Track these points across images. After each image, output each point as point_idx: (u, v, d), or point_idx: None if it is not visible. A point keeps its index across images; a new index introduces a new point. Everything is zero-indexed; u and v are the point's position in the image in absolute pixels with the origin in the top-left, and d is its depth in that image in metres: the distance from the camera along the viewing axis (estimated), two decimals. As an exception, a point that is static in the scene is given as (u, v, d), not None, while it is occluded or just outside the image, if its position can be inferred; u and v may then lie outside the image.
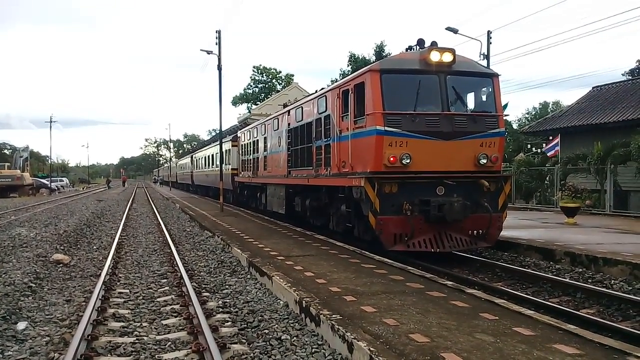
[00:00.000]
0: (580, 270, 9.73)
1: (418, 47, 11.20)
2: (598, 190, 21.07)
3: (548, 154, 27.30)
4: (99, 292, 7.56)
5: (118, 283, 8.83)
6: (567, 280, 8.91)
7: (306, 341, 5.49)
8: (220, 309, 6.96)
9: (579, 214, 16.48)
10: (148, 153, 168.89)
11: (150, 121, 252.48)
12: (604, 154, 20.82)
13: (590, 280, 9.01)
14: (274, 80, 76.02)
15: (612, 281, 8.82)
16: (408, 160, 10.22)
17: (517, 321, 5.31)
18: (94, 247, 13.28)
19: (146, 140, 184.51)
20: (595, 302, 7.65)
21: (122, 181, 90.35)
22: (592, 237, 12.33)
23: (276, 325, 6.09)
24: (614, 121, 23.16)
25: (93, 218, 21.41)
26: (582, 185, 18.06)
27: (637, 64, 48.57)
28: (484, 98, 11.39)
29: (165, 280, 9.08)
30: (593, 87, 29.36)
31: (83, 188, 77.96)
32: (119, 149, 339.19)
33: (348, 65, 49.87)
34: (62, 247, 12.60)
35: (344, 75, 45.89)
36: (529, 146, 45.65)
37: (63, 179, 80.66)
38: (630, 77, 38.93)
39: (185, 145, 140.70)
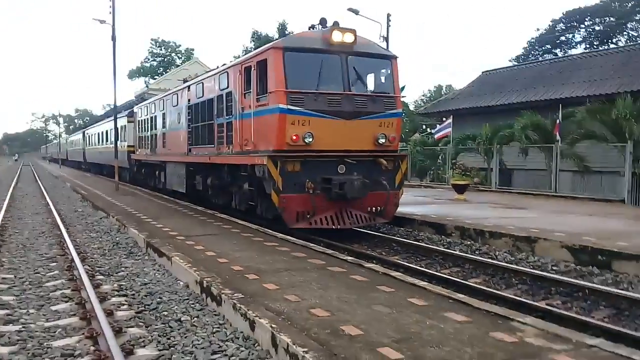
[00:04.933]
0: (469, 243, 10.40)
1: (320, 27, 11.25)
2: (485, 168, 22.54)
3: (436, 136, 28.74)
4: (-21, 278, 6.98)
5: (1, 268, 8.17)
6: (457, 252, 9.49)
7: (207, 321, 5.41)
8: (116, 292, 6.67)
9: (468, 190, 17.55)
10: (35, 128, 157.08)
11: (38, 94, 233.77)
12: (491, 135, 22.26)
13: (477, 252, 9.66)
14: (173, 54, 73.41)
15: (497, 252, 9.52)
16: (310, 139, 10.30)
17: (412, 292, 5.58)
18: (-27, 230, 12.20)
19: (33, 114, 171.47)
20: (482, 272, 8.22)
21: None
22: (480, 212, 13.19)
23: (176, 307, 5.95)
24: (500, 104, 24.79)
25: (-29, 199, 19.64)
26: (472, 164, 19.28)
27: (523, 50, 52.17)
28: (383, 79, 11.69)
29: (55, 263, 8.54)
30: (482, 72, 31.16)
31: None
32: (1, 124, 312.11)
33: (251, 42, 49.12)
34: None
35: (246, 52, 45.17)
36: (423, 127, 47.66)
37: None
38: (515, 64, 41.71)
39: (76, 120, 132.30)
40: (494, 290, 7.02)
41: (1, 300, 6.36)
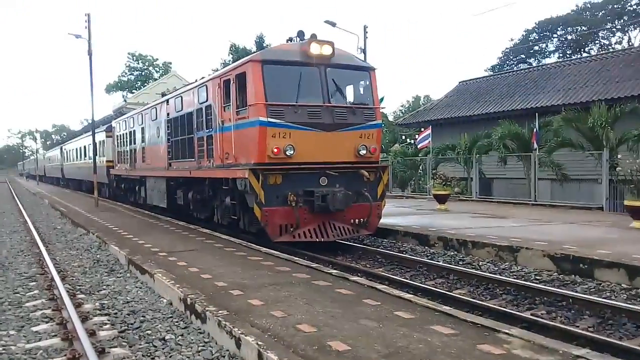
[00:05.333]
0: (452, 253, 10.45)
1: (298, 39, 11.29)
2: (465, 178, 22.75)
3: (419, 146, 28.95)
4: (-45, 300, 6.80)
5: (-22, 289, 7.99)
6: (440, 263, 9.52)
7: (192, 339, 5.34)
8: (98, 312, 6.55)
9: (449, 200, 17.68)
10: (11, 145, 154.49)
11: (14, 110, 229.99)
12: (470, 144, 22.51)
13: (461, 263, 9.71)
14: (150, 68, 72.98)
15: (481, 263, 9.57)
16: (292, 152, 10.30)
17: (398, 305, 5.57)
18: (-53, 251, 11.91)
19: (9, 130, 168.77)
20: (466, 283, 8.24)
21: None
22: (462, 222, 13.29)
23: (159, 325, 5.86)
24: (478, 114, 25.11)
25: (-55, 218, 19.21)
26: (452, 174, 19.43)
27: (498, 60, 52.98)
28: (362, 91, 11.76)
29: (35, 283, 8.37)
30: (459, 82, 31.55)
31: None
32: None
33: (229, 55, 49.08)
34: None
35: (225, 64, 45.13)
36: (403, 137, 48.02)
37: None
38: (491, 73, 42.32)
39: (54, 136, 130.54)
40: (479, 302, 7.04)
41: (-21, 322, 6.21)
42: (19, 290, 7.85)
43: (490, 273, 8.69)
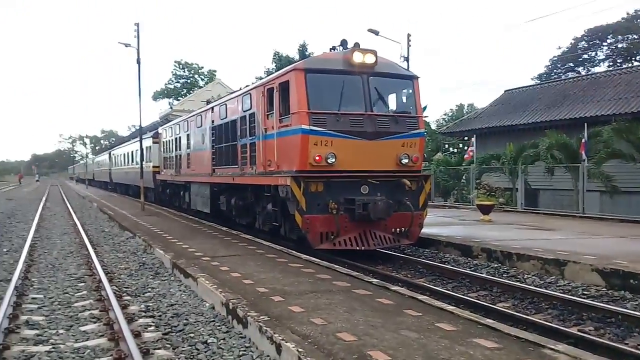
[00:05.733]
0: (496, 265, 10.24)
1: (342, 48, 11.35)
2: (510, 188, 22.27)
3: (465, 157, 28.56)
4: (10, 298, 7.07)
5: (31, 288, 8.31)
6: (484, 275, 9.35)
7: (233, 344, 5.42)
8: (143, 313, 6.72)
9: (493, 211, 17.33)
10: (62, 149, 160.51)
11: (65, 116, 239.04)
12: (516, 154, 22.04)
13: (505, 275, 9.50)
14: (196, 76, 74.55)
15: (526, 276, 9.34)
16: (333, 160, 10.33)
17: (440, 317, 5.50)
18: (4, 250, 12.42)
19: (60, 135, 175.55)
20: (510, 297, 8.06)
21: (18, 179, 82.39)
22: (506, 234, 13.01)
23: (202, 329, 5.97)
24: (524, 123, 24.59)
25: (2, 218, 20.10)
26: (496, 184, 19.03)
27: (545, 69, 51.81)
28: (404, 99, 11.72)
29: (83, 284, 8.65)
30: (505, 91, 30.99)
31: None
32: (31, 145, 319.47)
33: (272, 63, 49.70)
34: (-34, 251, 11.73)
35: (268, 73, 45.67)
36: (446, 146, 47.46)
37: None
38: (538, 82, 41.40)
39: (102, 141, 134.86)
40: (524, 315, 6.88)
41: (32, 320, 6.46)
42: (69, 291, 8.14)
43: (535, 286, 8.47)
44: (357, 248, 10.41)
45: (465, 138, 30.25)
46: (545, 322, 6.56)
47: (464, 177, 26.87)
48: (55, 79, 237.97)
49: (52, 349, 5.42)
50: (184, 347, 5.45)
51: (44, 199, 33.81)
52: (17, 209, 25.94)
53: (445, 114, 72.95)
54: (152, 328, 6.10)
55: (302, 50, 46.37)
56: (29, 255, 11.14)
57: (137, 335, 5.66)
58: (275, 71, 16.28)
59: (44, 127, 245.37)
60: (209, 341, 5.54)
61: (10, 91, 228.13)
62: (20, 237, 14.65)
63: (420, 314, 5.59)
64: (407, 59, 25.06)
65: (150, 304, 7.17)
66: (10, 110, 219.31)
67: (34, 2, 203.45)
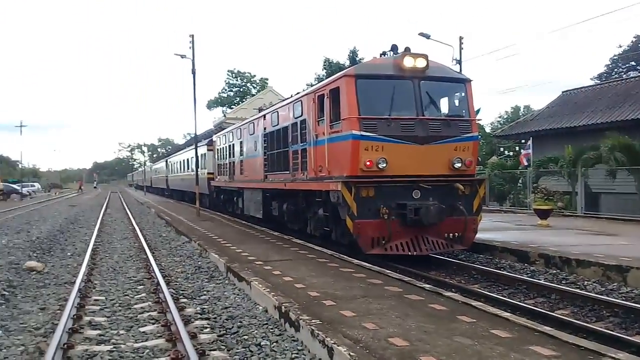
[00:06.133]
0: (555, 271, 9.92)
1: (392, 53, 11.31)
2: (569, 192, 21.50)
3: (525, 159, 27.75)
4: (74, 299, 7.43)
5: (93, 290, 8.68)
6: (542, 281, 9.08)
7: (286, 347, 5.48)
8: (199, 315, 6.91)
9: (551, 215, 16.79)
10: (122, 157, 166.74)
11: (124, 125, 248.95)
12: (575, 157, 21.24)
13: (564, 282, 9.19)
14: (248, 84, 75.88)
15: (586, 282, 9.01)
16: (384, 165, 10.30)
17: (494, 323, 5.39)
18: (68, 254, 13.04)
19: (120, 144, 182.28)
20: (569, 304, 7.80)
21: (78, 186, 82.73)
22: (565, 239, 12.58)
23: (255, 331, 6.07)
24: (584, 125, 23.68)
25: (66, 224, 21.05)
26: (554, 188, 18.43)
27: (605, 68, 49.86)
28: (457, 103, 11.55)
29: (142, 286, 8.97)
30: (563, 92, 29.99)
31: (56, 193, 75.99)
32: (92, 153, 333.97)
33: (323, 70, 50.04)
34: (35, 254, 12.38)
35: (319, 79, 46.01)
36: (501, 149, 46.37)
37: (34, 184, 78.50)
38: (598, 82, 39.88)
39: (159, 149, 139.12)
40: (584, 323, 6.64)
41: (94, 320, 6.75)
42: (128, 293, 8.45)
43: (596, 293, 8.16)
44: (409, 253, 10.32)
45: (522, 141, 29.42)
46: (606, 330, 6.31)
47: (520, 181, 26.14)
48: (115, 90, 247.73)
49: (113, 349, 5.64)
50: (238, 349, 5.56)
51: (104, 205, 35.17)
52: (80, 214, 27.11)
53: (500, 117, 71.35)
54: (208, 330, 6.26)
55: (353, 56, 46.49)
56: (91, 259, 11.63)
57: (193, 336, 5.82)
58: (326, 77, 16.38)
59: (105, 136, 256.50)
60: (262, 344, 5.63)
61: (75, 102, 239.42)
62: (83, 242, 15.32)
63: (475, 320, 5.49)
64: (459, 62, 24.72)
65: (206, 307, 7.35)
66: (74, 120, 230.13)
67: (92, 17, 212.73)
